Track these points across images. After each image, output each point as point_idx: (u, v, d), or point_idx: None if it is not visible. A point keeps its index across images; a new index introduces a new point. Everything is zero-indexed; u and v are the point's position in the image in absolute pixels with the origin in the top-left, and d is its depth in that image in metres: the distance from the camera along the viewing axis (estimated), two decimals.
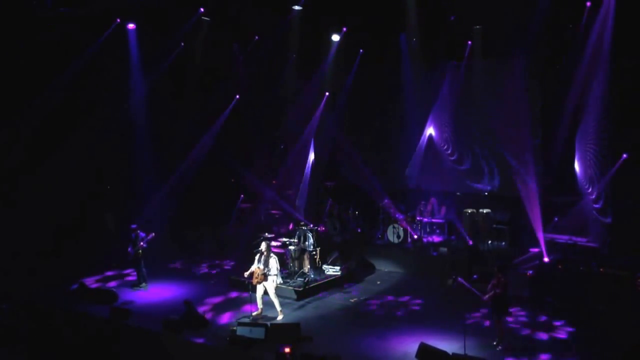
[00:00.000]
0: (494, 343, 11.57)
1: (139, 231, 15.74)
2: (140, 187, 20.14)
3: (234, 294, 15.26)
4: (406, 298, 15.00)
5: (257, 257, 13.39)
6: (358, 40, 20.26)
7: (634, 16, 15.11)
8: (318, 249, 16.71)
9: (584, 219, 16.64)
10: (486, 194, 19.25)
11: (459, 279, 11.84)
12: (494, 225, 17.58)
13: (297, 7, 19.19)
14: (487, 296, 11.53)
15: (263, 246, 13.42)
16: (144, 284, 15.91)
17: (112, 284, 16.43)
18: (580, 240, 15.76)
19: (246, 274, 13.39)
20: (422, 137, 20.38)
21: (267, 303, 13.51)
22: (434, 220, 18.61)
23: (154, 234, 15.73)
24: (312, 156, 22.06)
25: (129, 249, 15.75)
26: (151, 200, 19.93)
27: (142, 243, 15.62)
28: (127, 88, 20.16)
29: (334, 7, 18.43)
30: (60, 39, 18.11)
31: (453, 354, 10.73)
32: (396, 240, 18.14)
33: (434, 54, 19.56)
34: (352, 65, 20.94)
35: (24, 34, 17.59)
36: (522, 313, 13.38)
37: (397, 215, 18.56)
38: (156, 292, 15.64)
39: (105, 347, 12.47)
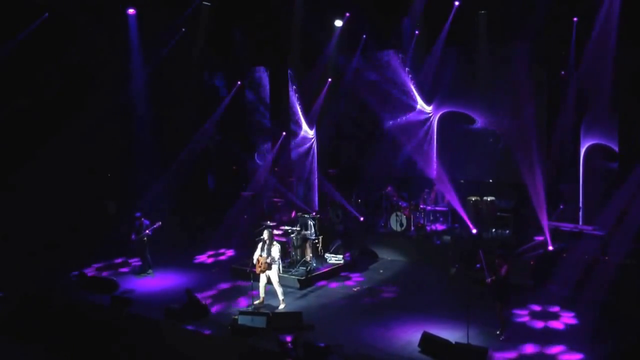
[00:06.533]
0: (497, 332, 11.49)
1: (143, 219, 15.69)
2: (141, 175, 20.03)
3: (235, 283, 15.16)
4: (409, 287, 14.89)
5: (259, 246, 13.28)
6: (361, 25, 20.03)
7: None
8: (320, 238, 16.58)
9: (588, 207, 16.52)
10: (490, 181, 19.08)
11: (480, 251, 11.66)
12: (498, 213, 17.40)
13: None
14: (488, 280, 11.41)
15: (265, 234, 13.29)
16: (150, 271, 15.90)
17: (108, 273, 16.29)
18: (586, 228, 15.61)
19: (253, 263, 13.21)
20: (426, 124, 20.19)
21: (269, 292, 13.42)
22: (437, 208, 18.45)
23: (160, 223, 15.68)
24: (314, 143, 21.90)
25: (133, 237, 15.71)
26: (152, 188, 19.82)
27: (147, 231, 15.58)
28: (127, 74, 19.99)
29: None
30: (58, 25, 17.93)
31: (456, 342, 10.67)
32: (399, 229, 17.98)
33: (438, 39, 19.32)
34: (355, 50, 20.73)
35: (21, 20, 17.41)
36: (526, 302, 13.23)
37: (400, 203, 18.41)
38: (157, 281, 15.56)
39: (106, 336, 12.43)
